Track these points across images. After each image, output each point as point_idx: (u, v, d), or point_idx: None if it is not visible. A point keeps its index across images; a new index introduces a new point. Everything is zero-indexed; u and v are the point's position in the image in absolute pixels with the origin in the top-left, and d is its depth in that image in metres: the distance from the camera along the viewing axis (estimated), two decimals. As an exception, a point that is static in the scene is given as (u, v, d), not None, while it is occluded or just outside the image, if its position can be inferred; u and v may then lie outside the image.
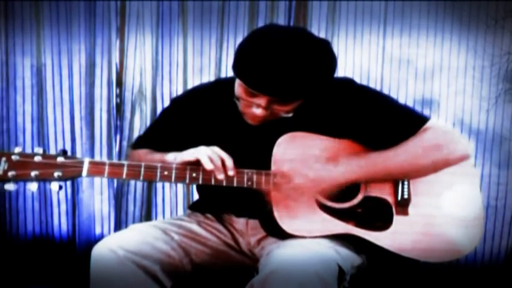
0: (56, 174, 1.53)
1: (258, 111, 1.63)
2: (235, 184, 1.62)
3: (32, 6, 2.84)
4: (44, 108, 2.89)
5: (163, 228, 1.75)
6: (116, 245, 1.62)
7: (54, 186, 1.55)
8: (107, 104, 2.91)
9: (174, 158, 1.64)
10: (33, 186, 1.54)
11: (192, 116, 1.82)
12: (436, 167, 1.71)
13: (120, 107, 2.92)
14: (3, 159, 1.52)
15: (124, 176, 1.58)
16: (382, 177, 1.71)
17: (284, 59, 1.55)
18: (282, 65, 1.54)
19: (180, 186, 2.92)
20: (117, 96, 2.92)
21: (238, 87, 1.65)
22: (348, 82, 1.80)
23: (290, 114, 1.66)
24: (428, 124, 1.72)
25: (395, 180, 1.73)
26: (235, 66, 1.62)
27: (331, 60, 1.63)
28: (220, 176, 1.59)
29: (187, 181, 1.61)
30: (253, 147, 1.69)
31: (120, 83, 2.91)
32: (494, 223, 2.81)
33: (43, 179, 1.53)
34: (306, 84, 1.58)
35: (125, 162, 1.59)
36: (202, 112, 1.82)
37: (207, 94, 1.85)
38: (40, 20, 2.85)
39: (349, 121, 1.72)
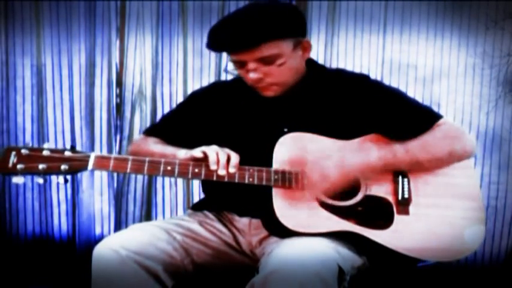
0: (62, 167, 1.57)
1: (252, 75, 1.71)
2: (236, 180, 1.64)
3: (32, 6, 2.84)
4: (44, 108, 2.90)
5: (166, 228, 1.75)
6: (117, 245, 1.62)
7: (60, 179, 1.59)
8: (107, 104, 2.91)
9: (185, 153, 1.68)
10: (40, 180, 1.59)
11: (209, 110, 1.87)
12: (450, 161, 1.75)
13: (120, 107, 2.92)
14: (13, 153, 1.57)
15: (128, 170, 1.62)
16: (404, 168, 1.74)
17: (239, 13, 1.71)
18: (236, 18, 1.69)
19: (180, 186, 2.93)
20: (117, 96, 2.93)
21: (229, 63, 1.76)
22: (364, 78, 1.85)
23: (287, 77, 1.74)
24: (441, 121, 1.78)
25: (396, 179, 1.74)
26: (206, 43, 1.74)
27: (285, 7, 1.75)
28: (222, 172, 1.62)
29: (189, 176, 1.64)
30: (266, 141, 1.71)
31: (120, 83, 2.91)
32: (494, 223, 2.82)
33: (50, 173, 1.58)
34: (257, 27, 1.66)
35: (130, 157, 1.62)
36: (220, 107, 1.86)
37: (225, 90, 1.90)
38: (40, 20, 2.86)
39: (364, 116, 1.76)
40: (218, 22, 1.73)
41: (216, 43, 1.71)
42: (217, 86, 2.00)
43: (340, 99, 1.78)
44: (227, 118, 1.84)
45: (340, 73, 1.88)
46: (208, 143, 1.68)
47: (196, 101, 1.93)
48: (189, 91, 2.84)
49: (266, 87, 1.75)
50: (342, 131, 1.74)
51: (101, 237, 2.25)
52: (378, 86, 1.84)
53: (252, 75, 1.71)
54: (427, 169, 1.75)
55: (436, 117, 1.79)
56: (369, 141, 1.76)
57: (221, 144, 1.68)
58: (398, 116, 1.76)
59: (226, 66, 1.79)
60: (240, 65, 1.73)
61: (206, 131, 1.84)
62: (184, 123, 1.89)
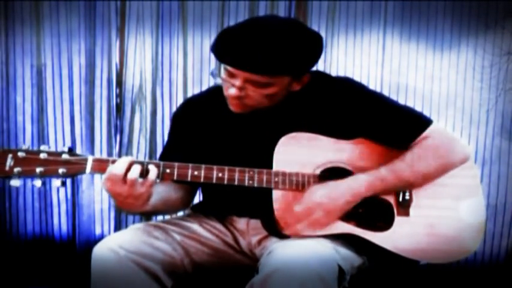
0: (60, 170, 1.56)
1: (232, 91, 1.63)
2: (236, 182, 1.63)
3: (32, 6, 2.84)
4: (44, 108, 2.89)
5: (165, 228, 1.75)
6: (116, 245, 1.62)
7: (58, 182, 1.57)
8: (107, 104, 2.91)
9: None
10: (37, 183, 1.56)
11: (191, 126, 1.83)
12: (440, 174, 1.72)
13: (120, 107, 2.92)
14: (10, 155, 1.54)
15: None
16: (394, 189, 1.71)
17: (255, 32, 1.59)
18: (250, 36, 1.58)
19: (180, 186, 2.92)
20: (117, 96, 2.92)
21: (222, 69, 1.67)
22: (347, 81, 1.80)
23: (266, 103, 1.67)
24: (429, 129, 1.72)
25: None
26: (212, 45, 1.66)
27: (307, 44, 1.65)
28: None
29: (189, 179, 1.63)
30: (250, 147, 1.71)
31: (120, 83, 2.91)
32: (494, 223, 2.81)
33: (48, 176, 1.56)
34: (274, 59, 1.58)
35: None
36: (199, 120, 1.82)
37: (201, 102, 1.86)
38: (40, 20, 2.85)
39: (348, 121, 1.73)
40: (237, 33, 1.61)
41: (229, 58, 1.61)
42: (196, 100, 1.91)
43: (324, 103, 1.74)
44: (217, 132, 1.80)
45: (322, 76, 1.80)
46: (205, 160, 1.65)
47: (179, 122, 1.87)
48: (189, 91, 2.85)
49: (237, 104, 1.68)
50: (329, 135, 1.71)
51: (101, 237, 2.24)
52: (363, 89, 1.78)
53: (234, 92, 1.64)
54: (418, 186, 1.71)
55: (425, 123, 1.73)
56: (367, 144, 1.74)
57: (216, 158, 1.66)
58: (385, 121, 1.72)
59: (214, 70, 1.71)
60: (229, 75, 1.65)
61: (199, 148, 1.78)
62: (180, 150, 1.81)
